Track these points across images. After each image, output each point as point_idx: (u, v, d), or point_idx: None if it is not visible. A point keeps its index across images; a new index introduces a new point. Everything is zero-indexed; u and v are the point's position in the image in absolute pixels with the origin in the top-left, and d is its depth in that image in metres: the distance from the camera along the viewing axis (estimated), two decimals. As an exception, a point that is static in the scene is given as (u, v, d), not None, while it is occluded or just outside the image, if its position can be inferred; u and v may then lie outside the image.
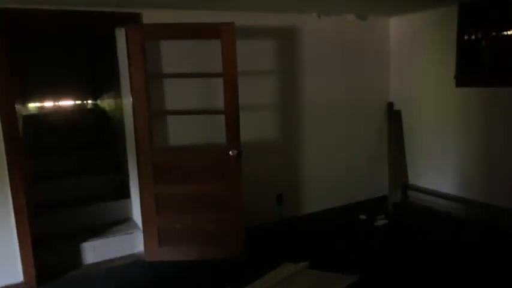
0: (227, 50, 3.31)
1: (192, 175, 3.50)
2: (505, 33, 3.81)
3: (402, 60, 4.74)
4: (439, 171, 4.47)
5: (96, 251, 3.58)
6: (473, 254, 3.50)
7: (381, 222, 4.32)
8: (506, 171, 3.84)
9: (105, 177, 4.39)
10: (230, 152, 3.44)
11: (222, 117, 3.44)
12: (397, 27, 4.75)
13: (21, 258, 3.18)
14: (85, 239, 3.59)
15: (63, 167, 4.36)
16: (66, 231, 3.69)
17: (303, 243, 3.92)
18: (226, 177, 3.51)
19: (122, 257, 3.65)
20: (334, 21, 4.37)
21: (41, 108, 6.14)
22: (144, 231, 3.57)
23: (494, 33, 3.89)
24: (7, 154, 3.06)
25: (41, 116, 5.80)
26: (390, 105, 4.90)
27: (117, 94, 4.16)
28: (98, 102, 5.99)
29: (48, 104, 6.21)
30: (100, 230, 3.76)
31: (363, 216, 4.49)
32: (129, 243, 3.70)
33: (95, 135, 5.14)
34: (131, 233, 3.76)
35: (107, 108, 5.32)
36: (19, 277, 3.20)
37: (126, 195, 4.11)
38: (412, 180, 4.79)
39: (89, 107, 6.33)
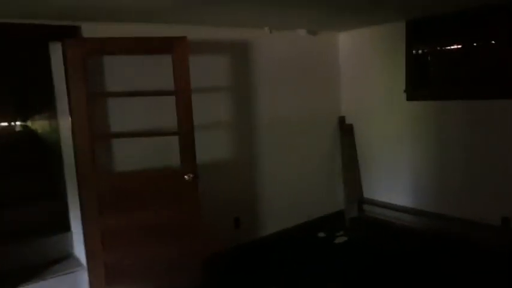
0: (180, 66, 3.06)
1: (143, 203, 3.17)
2: (448, 48, 3.93)
3: (352, 75, 4.76)
4: (393, 184, 4.50)
5: (32, 298, 3.11)
6: (433, 265, 3.52)
7: (340, 239, 4.23)
8: (458, 182, 3.93)
9: (39, 207, 3.88)
10: (186, 176, 3.17)
11: (176, 139, 3.16)
12: (346, 42, 4.77)
13: None
14: (17, 284, 3.10)
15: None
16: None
17: (263, 268, 3.72)
18: (182, 204, 3.23)
19: (63, 301, 3.21)
20: (286, 36, 4.28)
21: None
22: (88, 269, 3.16)
23: (438, 48, 4.01)
24: None
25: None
26: (342, 119, 4.89)
27: (52, 115, 3.73)
28: (29, 123, 5.40)
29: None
30: (36, 271, 3.28)
31: (322, 234, 4.39)
32: (72, 284, 3.26)
33: (25, 159, 4.59)
34: (73, 272, 3.32)
35: (39, 130, 4.79)
36: None
37: (66, 227, 3.65)
38: (367, 194, 4.78)
39: (17, 129, 5.69)
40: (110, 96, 3.26)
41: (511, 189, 3.55)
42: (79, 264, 3.44)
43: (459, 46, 3.87)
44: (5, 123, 5.72)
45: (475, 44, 3.79)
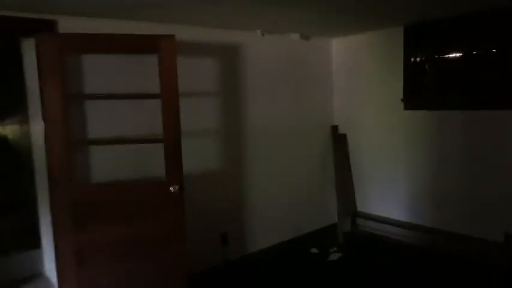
0: (166, 67, 2.79)
1: (123, 217, 2.87)
2: (448, 55, 3.78)
3: (346, 82, 4.57)
4: (388, 197, 4.29)
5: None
6: (429, 282, 3.31)
7: (334, 256, 3.99)
8: (457, 196, 3.75)
9: (6, 220, 3.52)
10: (171, 188, 2.88)
11: (161, 147, 2.88)
12: (339, 48, 4.59)
13: None
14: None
15: None
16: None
17: (252, 286, 3.44)
18: (165, 218, 2.93)
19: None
20: (278, 40, 4.07)
21: None
22: (60, 291, 2.83)
23: (438, 56, 3.85)
24: None
25: None
26: (335, 128, 4.69)
27: (24, 118, 3.40)
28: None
29: None
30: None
31: (314, 250, 4.13)
32: (41, 307, 2.93)
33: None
34: (43, 293, 2.99)
35: (9, 136, 4.42)
36: None
37: (36, 243, 3.31)
38: (361, 207, 4.57)
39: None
40: (88, 99, 2.96)
41: (515, 203, 3.39)
42: (50, 284, 3.09)
43: (459, 54, 3.72)
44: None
45: (474, 53, 3.64)
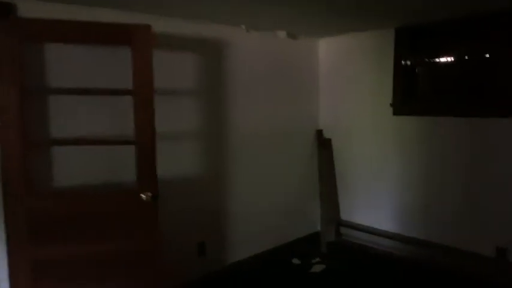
0: (140, 61, 2.50)
1: (88, 228, 2.55)
2: (439, 60, 3.62)
3: (332, 85, 4.36)
4: (374, 206, 4.09)
5: None
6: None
7: (317, 267, 3.76)
8: (448, 207, 3.58)
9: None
10: (143, 195, 2.59)
11: (132, 149, 2.59)
12: (327, 49, 4.37)
13: None
14: None
15: None
16: None
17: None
18: (137, 229, 2.63)
19: None
20: (264, 38, 3.82)
21: None
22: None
23: (429, 60, 3.69)
24: None
25: None
26: (319, 133, 4.47)
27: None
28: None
29: None
30: None
31: (296, 261, 3.90)
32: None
33: None
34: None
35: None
36: None
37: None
38: (345, 215, 4.36)
39: None
40: (51, 94, 2.64)
41: (508, 216, 3.23)
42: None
43: (452, 58, 3.56)
44: None
45: (467, 57, 3.49)
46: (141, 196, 2.58)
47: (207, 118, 3.47)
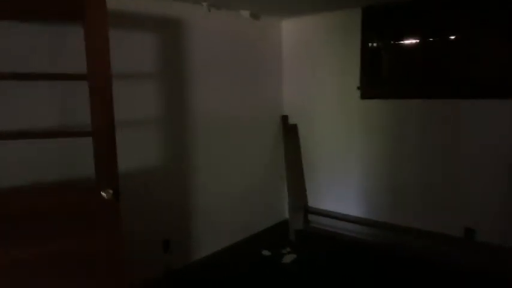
0: (95, 40, 2.17)
1: (41, 230, 2.22)
2: (405, 42, 3.56)
3: (297, 68, 4.20)
4: (342, 192, 4.03)
5: None
6: (389, 282, 3.10)
7: (288, 258, 3.64)
8: (415, 190, 3.57)
9: None
10: (103, 193, 2.29)
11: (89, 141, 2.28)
12: (291, 30, 4.20)
13: None
14: None
15: None
16: None
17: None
18: (97, 231, 2.33)
19: None
20: (226, 17, 3.57)
21: None
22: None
23: (396, 42, 3.63)
24: None
25: None
26: (285, 118, 4.32)
27: None
28: None
29: None
30: None
31: (266, 252, 3.75)
32: None
33: None
34: None
35: None
36: None
37: None
38: (313, 202, 4.27)
39: None
40: (-13, 79, 2.26)
41: (475, 197, 3.27)
42: None
43: (418, 40, 3.51)
44: None
45: (433, 39, 3.45)
46: (101, 194, 2.28)
47: (167, 104, 3.19)
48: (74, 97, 2.50)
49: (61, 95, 2.51)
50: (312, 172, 4.24)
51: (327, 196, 4.15)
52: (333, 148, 4.04)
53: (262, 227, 4.13)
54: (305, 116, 4.22)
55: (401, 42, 3.58)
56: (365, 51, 3.70)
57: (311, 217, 4.24)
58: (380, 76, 3.72)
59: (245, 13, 3.64)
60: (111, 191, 2.31)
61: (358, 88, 3.76)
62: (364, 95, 3.76)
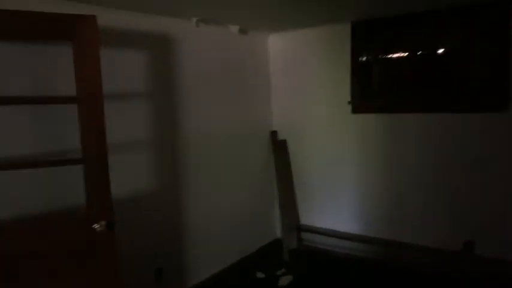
0: (87, 60, 2.01)
1: (24, 270, 2.01)
2: (396, 56, 3.54)
3: (286, 83, 4.12)
4: (335, 208, 3.94)
5: None
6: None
7: (284, 280, 3.50)
8: (412, 204, 3.53)
9: None
10: (96, 225, 2.11)
11: (79, 169, 2.10)
12: (279, 45, 4.12)
13: None
14: None
15: None
16: None
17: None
18: (90, 270, 2.14)
19: None
20: (213, 33, 3.45)
21: None
22: None
23: (386, 55, 3.60)
24: None
25: None
26: (274, 134, 4.22)
27: None
28: None
29: None
30: None
31: (260, 274, 3.61)
32: None
33: None
34: None
35: None
36: None
37: None
38: (306, 220, 4.16)
39: None
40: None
41: (473, 210, 3.24)
42: None
43: (409, 54, 3.49)
44: None
45: (425, 53, 3.44)
46: (93, 227, 2.10)
47: (156, 124, 3.02)
48: (58, 122, 2.31)
49: (45, 119, 2.31)
50: (304, 189, 4.14)
51: (319, 213, 4.05)
52: (324, 164, 3.96)
53: (255, 248, 3.98)
54: (294, 131, 4.13)
55: (391, 56, 3.55)
56: (355, 66, 3.66)
57: (304, 235, 4.13)
58: (371, 90, 3.68)
59: (234, 28, 3.53)
60: (104, 223, 2.13)
61: (349, 102, 3.71)
62: (356, 110, 3.70)
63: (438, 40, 3.33)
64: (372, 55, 3.63)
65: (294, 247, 4.03)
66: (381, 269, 3.59)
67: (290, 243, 4.01)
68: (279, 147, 4.17)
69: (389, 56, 3.56)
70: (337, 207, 3.93)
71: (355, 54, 3.65)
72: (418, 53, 3.45)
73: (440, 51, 3.36)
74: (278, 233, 4.23)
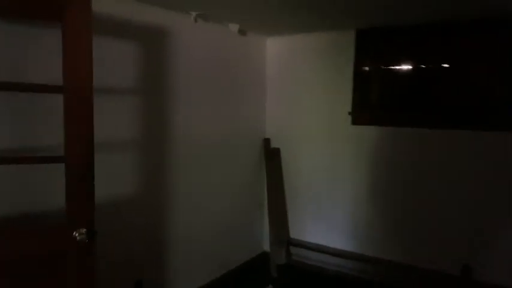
0: (77, 45, 1.77)
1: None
2: (400, 67, 3.41)
3: (283, 89, 3.93)
4: (328, 223, 3.75)
5: None
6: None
7: (272, 297, 3.30)
8: (408, 223, 3.38)
9: None
10: (75, 234, 1.85)
11: (61, 168, 1.85)
12: (276, 49, 3.94)
13: None
14: None
15: None
16: None
17: None
18: (62, 280, 1.88)
19: None
20: (213, 30, 3.25)
21: None
22: None
23: (391, 66, 3.46)
24: None
25: None
26: (267, 141, 4.02)
27: None
28: None
29: None
30: None
31: (247, 291, 3.39)
32: None
33: None
34: None
35: None
36: None
37: None
38: (296, 233, 3.95)
39: None
40: None
41: (472, 232, 3.11)
42: None
43: (415, 66, 3.36)
44: None
45: (430, 66, 3.32)
46: (72, 235, 1.84)
47: (141, 124, 2.77)
48: (36, 113, 2.05)
49: (21, 110, 2.05)
50: (295, 201, 3.94)
51: (311, 227, 3.86)
52: (319, 175, 3.78)
53: (241, 261, 3.75)
54: (289, 139, 3.94)
55: (396, 67, 3.42)
56: (358, 75, 3.51)
57: (293, 250, 3.93)
58: (374, 102, 3.53)
59: (234, 27, 3.33)
60: (84, 230, 1.87)
61: (350, 113, 3.55)
62: (356, 121, 3.55)
63: (442, 54, 3.22)
64: (376, 65, 3.49)
65: (282, 262, 3.82)
66: (374, 290, 3.42)
67: (278, 258, 3.79)
68: (271, 156, 3.97)
69: (394, 67, 3.42)
70: (329, 222, 3.75)
71: (358, 63, 3.50)
72: (422, 66, 3.33)
73: (445, 65, 3.26)
74: (266, 246, 4.01)
